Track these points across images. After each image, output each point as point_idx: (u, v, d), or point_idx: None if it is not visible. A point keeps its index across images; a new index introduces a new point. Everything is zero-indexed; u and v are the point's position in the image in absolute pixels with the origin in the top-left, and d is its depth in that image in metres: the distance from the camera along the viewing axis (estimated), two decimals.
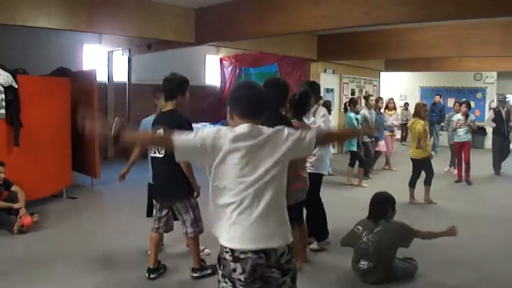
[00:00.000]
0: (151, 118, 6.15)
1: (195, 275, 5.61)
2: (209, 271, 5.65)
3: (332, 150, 6.93)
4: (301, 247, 6.11)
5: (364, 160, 11.78)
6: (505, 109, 13.52)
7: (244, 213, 2.99)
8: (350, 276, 5.80)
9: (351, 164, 11.77)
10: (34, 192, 8.27)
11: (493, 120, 13.37)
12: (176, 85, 5.39)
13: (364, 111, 12.25)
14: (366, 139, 12.20)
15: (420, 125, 9.62)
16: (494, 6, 6.70)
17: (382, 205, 5.76)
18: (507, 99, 21.02)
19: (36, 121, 8.40)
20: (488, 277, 5.79)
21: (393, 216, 5.72)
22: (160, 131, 4.86)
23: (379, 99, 13.27)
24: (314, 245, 6.70)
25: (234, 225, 2.99)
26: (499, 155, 13.51)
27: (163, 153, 5.28)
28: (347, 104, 12.39)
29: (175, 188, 5.40)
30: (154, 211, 5.68)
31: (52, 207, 8.74)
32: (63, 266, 5.89)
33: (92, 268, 5.84)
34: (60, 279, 5.52)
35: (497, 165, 13.43)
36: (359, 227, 5.81)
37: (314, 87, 6.88)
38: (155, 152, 5.42)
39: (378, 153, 13.11)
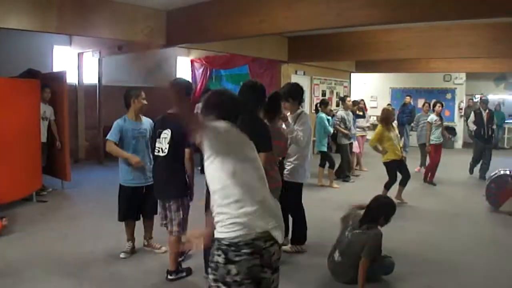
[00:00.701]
0: (122, 123, 6.15)
1: (170, 277, 5.59)
2: (184, 274, 5.67)
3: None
4: None
5: (333, 161, 11.73)
6: (487, 110, 13.00)
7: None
8: (326, 277, 5.84)
9: (322, 165, 11.77)
10: (2, 196, 8.17)
11: (474, 122, 13.08)
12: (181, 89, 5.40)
13: (341, 113, 12.34)
14: (344, 141, 12.27)
15: (376, 132, 9.76)
16: (462, 9, 6.78)
17: (376, 210, 5.62)
18: (475, 100, 21.36)
19: (4, 123, 8.27)
20: (458, 272, 5.86)
21: (383, 225, 5.59)
22: (167, 132, 5.00)
23: (361, 100, 13.34)
24: (287, 247, 6.66)
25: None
26: (474, 161, 13.22)
27: (166, 153, 5.40)
28: (318, 105, 12.39)
29: (172, 186, 5.47)
30: (159, 208, 5.78)
31: (21, 211, 8.60)
32: (34, 270, 5.80)
33: (64, 273, 5.77)
34: (31, 284, 5.45)
35: (471, 169, 13.39)
36: (352, 221, 5.76)
37: (292, 90, 6.70)
38: (158, 151, 5.51)
39: (352, 154, 13.17)
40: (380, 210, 5.58)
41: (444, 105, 12.63)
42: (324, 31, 11.88)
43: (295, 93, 6.66)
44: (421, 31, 11.57)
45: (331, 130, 11.60)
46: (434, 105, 12.45)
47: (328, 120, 11.55)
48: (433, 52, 12.11)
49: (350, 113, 12.60)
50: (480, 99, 13.06)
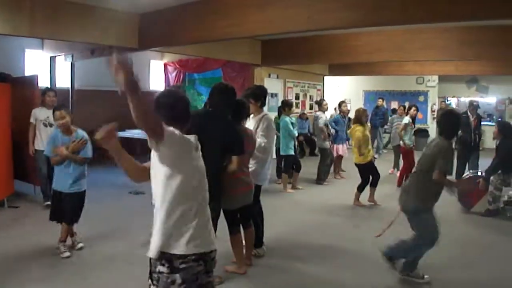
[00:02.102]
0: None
1: None
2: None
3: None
4: (247, 251, 6.12)
5: (300, 165, 11.73)
6: (474, 116, 11.81)
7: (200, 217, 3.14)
8: (298, 279, 5.88)
9: (286, 170, 11.52)
10: None
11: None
12: None
13: (322, 115, 12.40)
14: (325, 145, 12.31)
15: (359, 132, 9.78)
16: (433, 13, 6.84)
17: (443, 122, 5.89)
18: (448, 102, 21.59)
19: None
20: (432, 271, 5.90)
21: (452, 137, 5.86)
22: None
23: (342, 103, 13.31)
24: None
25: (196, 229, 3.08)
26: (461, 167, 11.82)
27: None
28: (281, 107, 12.04)
29: None
30: None
31: None
32: (7, 278, 5.72)
33: (38, 279, 5.70)
34: None
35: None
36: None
37: (254, 92, 6.64)
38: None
39: (340, 157, 13.17)
40: (444, 122, 5.85)
41: (418, 109, 12.71)
42: (297, 34, 11.94)
43: (257, 95, 6.58)
44: (393, 35, 11.67)
45: (296, 133, 11.50)
46: (409, 109, 12.55)
47: (292, 123, 11.38)
48: (405, 55, 12.19)
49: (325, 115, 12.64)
50: (471, 103, 12.04)
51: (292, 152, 11.33)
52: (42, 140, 8.94)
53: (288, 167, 11.54)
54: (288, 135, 11.17)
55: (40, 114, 9.28)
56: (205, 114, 5.37)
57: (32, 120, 9.30)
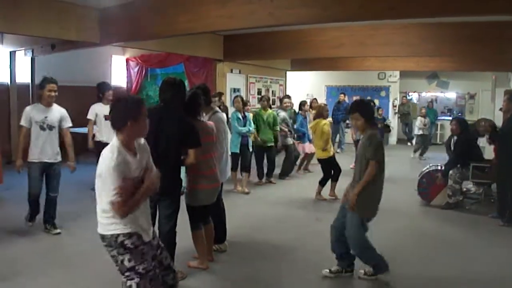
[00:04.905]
0: None
1: None
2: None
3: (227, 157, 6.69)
4: (208, 247, 6.12)
5: (247, 164, 11.00)
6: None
7: None
8: (260, 274, 5.92)
9: (234, 168, 10.52)
10: None
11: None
12: None
13: (283, 113, 12.41)
14: (289, 141, 12.32)
15: (327, 125, 9.92)
16: (391, 10, 6.91)
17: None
18: (409, 97, 21.87)
19: None
20: (390, 265, 5.97)
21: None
22: None
23: (304, 102, 13.28)
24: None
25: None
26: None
27: None
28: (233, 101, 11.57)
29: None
30: None
31: None
32: None
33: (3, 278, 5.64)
34: None
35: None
36: None
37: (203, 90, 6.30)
38: None
39: (307, 156, 13.19)
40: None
41: (375, 103, 12.84)
42: (259, 29, 11.93)
43: (202, 94, 6.24)
44: (355, 30, 11.73)
45: (240, 129, 10.65)
46: None
47: (238, 118, 10.69)
48: (367, 50, 12.25)
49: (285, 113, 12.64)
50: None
51: (236, 150, 10.64)
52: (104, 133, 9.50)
53: (233, 165, 10.35)
54: (234, 131, 10.74)
55: (100, 109, 9.62)
56: (158, 109, 5.34)
57: (90, 116, 9.68)
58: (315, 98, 15.29)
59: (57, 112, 7.36)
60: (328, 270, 5.88)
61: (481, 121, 9.42)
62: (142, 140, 3.87)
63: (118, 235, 3.58)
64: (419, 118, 17.11)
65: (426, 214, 9.20)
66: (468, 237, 7.73)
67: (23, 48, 13.53)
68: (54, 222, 7.46)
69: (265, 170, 11.96)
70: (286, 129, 12.21)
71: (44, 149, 7.19)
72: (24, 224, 7.59)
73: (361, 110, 5.78)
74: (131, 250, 3.58)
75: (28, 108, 7.26)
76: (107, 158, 3.48)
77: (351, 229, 5.63)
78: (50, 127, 7.21)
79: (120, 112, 3.63)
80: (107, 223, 3.58)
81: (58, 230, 7.39)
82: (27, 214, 7.60)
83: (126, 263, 3.60)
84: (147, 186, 3.61)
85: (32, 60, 13.89)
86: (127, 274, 3.61)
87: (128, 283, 3.61)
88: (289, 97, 13.49)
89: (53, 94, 7.15)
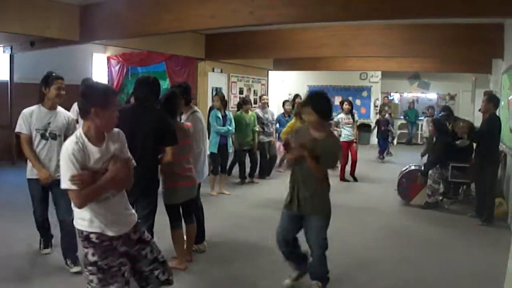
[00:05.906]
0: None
1: None
2: None
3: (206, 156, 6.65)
4: (188, 247, 6.11)
5: (217, 166, 10.52)
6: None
7: None
8: (238, 274, 5.92)
9: (214, 172, 10.30)
10: None
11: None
12: None
13: (257, 111, 12.40)
14: (264, 139, 12.31)
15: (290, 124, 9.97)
16: (373, 10, 6.96)
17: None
18: (390, 98, 21.98)
19: None
20: (368, 265, 6.00)
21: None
22: None
23: (285, 101, 13.27)
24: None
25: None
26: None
27: None
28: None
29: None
30: None
31: None
32: None
33: None
34: None
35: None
36: None
37: (181, 90, 6.31)
38: None
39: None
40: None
41: (351, 102, 12.86)
42: (241, 28, 11.95)
43: (183, 93, 6.33)
44: (337, 30, 11.76)
45: (219, 128, 10.30)
46: (342, 104, 12.74)
47: (218, 117, 10.31)
48: (349, 50, 12.30)
49: (263, 112, 12.56)
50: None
51: (213, 150, 10.25)
52: None
53: (214, 168, 10.30)
54: (213, 131, 10.39)
55: None
56: (133, 108, 5.32)
57: (72, 114, 9.16)
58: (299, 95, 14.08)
59: (63, 117, 5.99)
60: (288, 281, 5.60)
61: (460, 122, 9.46)
62: (116, 130, 3.71)
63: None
64: (425, 119, 16.79)
65: (406, 214, 9.24)
66: (447, 236, 7.77)
67: (1, 45, 13.40)
68: (76, 256, 5.75)
69: (248, 170, 11.96)
70: (259, 128, 12.11)
71: (45, 163, 5.74)
72: (38, 254, 6.35)
73: (315, 104, 4.94)
74: (95, 244, 3.52)
75: (26, 112, 5.84)
76: (64, 146, 3.41)
77: (320, 232, 5.28)
78: (54, 136, 5.79)
79: (85, 98, 3.49)
80: (76, 217, 3.55)
81: (79, 268, 5.57)
82: (39, 242, 6.41)
83: (89, 257, 3.54)
84: (108, 176, 3.44)
85: (11, 57, 13.77)
86: (89, 268, 3.56)
87: (90, 277, 3.56)
88: (266, 94, 13.47)
89: (62, 92, 5.84)
